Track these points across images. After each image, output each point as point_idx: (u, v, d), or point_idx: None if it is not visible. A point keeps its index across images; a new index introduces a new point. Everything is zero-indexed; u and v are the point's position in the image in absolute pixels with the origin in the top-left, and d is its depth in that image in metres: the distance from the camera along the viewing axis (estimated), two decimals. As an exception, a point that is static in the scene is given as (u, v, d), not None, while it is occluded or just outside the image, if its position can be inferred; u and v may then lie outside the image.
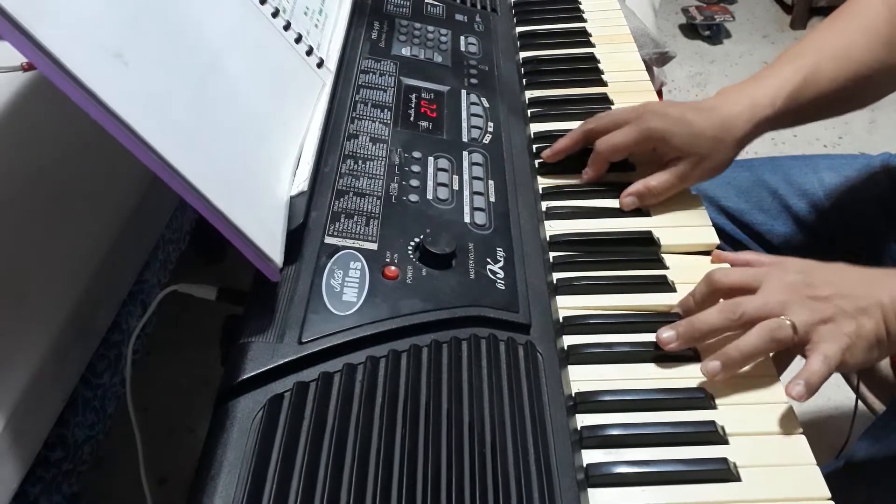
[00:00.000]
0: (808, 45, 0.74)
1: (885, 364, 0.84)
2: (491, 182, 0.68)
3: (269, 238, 0.53)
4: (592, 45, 0.93)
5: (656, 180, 0.69)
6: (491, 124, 0.75)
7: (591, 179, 0.73)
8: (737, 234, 0.90)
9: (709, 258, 0.66)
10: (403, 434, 0.48)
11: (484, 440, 0.49)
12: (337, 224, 0.60)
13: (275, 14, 0.68)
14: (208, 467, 0.45)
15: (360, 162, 0.66)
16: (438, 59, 0.83)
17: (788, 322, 0.55)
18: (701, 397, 0.54)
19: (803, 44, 0.74)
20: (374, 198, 0.63)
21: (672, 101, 0.72)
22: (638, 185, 0.70)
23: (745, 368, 0.56)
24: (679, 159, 0.69)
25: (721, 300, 0.58)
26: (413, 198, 0.64)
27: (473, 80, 0.81)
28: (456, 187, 0.67)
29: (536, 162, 0.76)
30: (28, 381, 0.55)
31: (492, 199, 0.67)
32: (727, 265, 0.64)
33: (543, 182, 0.73)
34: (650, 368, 0.57)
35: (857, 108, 0.78)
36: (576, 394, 0.54)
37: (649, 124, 0.69)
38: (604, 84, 0.86)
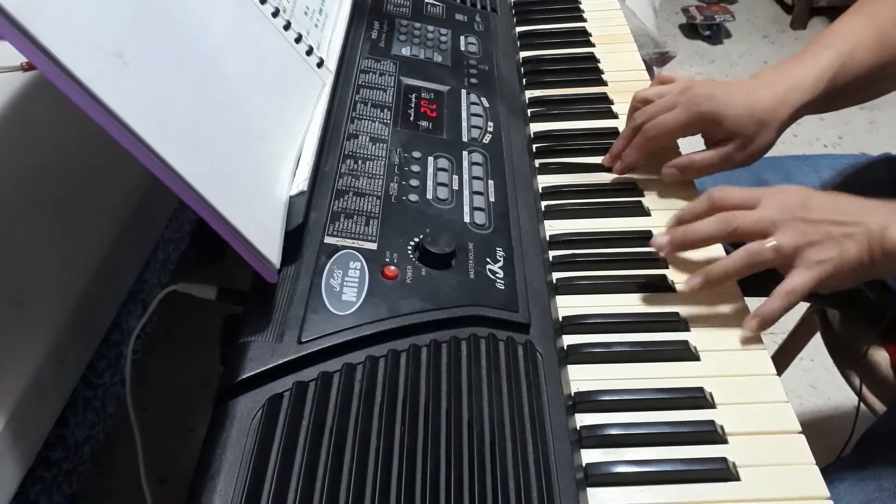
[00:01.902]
0: (843, 30, 0.74)
1: (885, 364, 0.84)
2: (491, 182, 0.69)
3: (266, 239, 0.53)
4: (592, 45, 0.93)
5: (700, 156, 0.70)
6: (491, 124, 0.75)
7: (632, 164, 0.72)
8: (737, 234, 0.90)
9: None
10: (402, 433, 0.48)
11: (483, 439, 0.49)
12: (336, 224, 0.60)
13: (275, 14, 0.68)
14: (208, 467, 0.45)
15: (359, 162, 0.66)
16: (438, 58, 0.83)
17: (772, 244, 0.58)
18: (700, 397, 0.54)
19: (838, 28, 0.74)
20: (374, 197, 0.63)
21: (712, 81, 0.73)
22: (682, 159, 0.71)
23: (745, 369, 0.57)
24: (725, 141, 0.70)
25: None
26: (413, 197, 0.64)
27: (473, 80, 0.81)
28: (456, 187, 0.67)
29: (536, 162, 0.76)
30: (28, 381, 0.55)
31: (491, 198, 0.67)
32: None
33: (543, 182, 0.73)
34: (650, 368, 0.57)
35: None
36: (575, 393, 0.54)
37: (701, 107, 0.69)
38: (604, 84, 0.86)
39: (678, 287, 0.62)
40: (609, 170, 0.73)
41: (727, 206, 0.61)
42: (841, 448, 0.88)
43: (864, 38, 0.72)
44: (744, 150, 0.70)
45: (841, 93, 0.72)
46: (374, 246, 0.59)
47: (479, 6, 0.96)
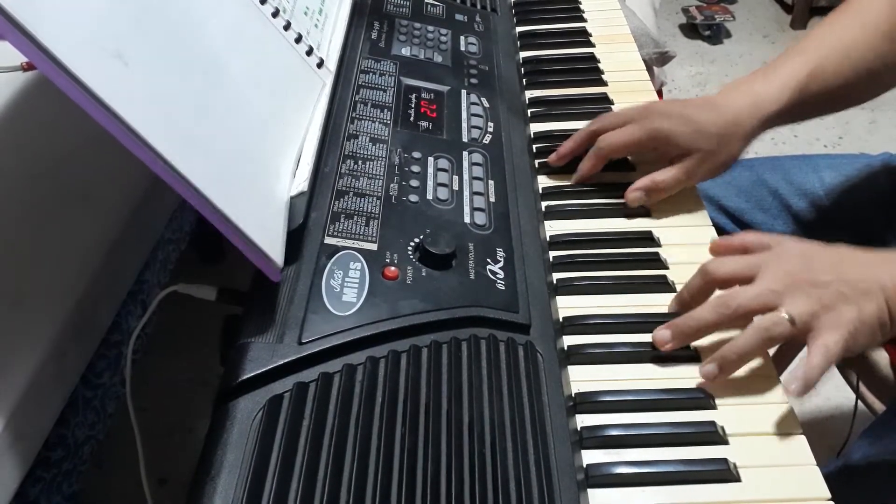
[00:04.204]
0: (811, 42, 0.74)
1: (885, 364, 0.84)
2: (491, 182, 0.68)
3: (269, 238, 0.53)
4: (592, 45, 0.93)
5: (663, 175, 0.69)
6: (491, 124, 0.75)
7: (586, 174, 0.72)
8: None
9: (707, 256, 0.65)
10: (403, 434, 0.48)
11: (483, 440, 0.49)
12: (337, 224, 0.60)
13: (275, 14, 0.68)
14: (208, 468, 0.45)
15: (359, 162, 0.66)
16: (438, 59, 0.83)
17: (785, 316, 0.53)
18: (701, 397, 0.54)
19: (806, 41, 0.74)
20: (374, 198, 0.63)
21: (676, 99, 0.72)
22: (645, 181, 0.69)
23: (744, 368, 0.56)
24: (685, 156, 0.69)
25: (717, 291, 0.58)
26: (413, 198, 0.64)
27: (473, 80, 0.81)
28: (456, 187, 0.67)
29: (536, 162, 0.75)
30: (28, 381, 0.54)
31: (492, 199, 0.67)
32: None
33: (543, 182, 0.73)
34: (650, 369, 0.57)
35: (860, 103, 0.78)
36: (576, 394, 0.54)
37: (655, 124, 0.69)
38: (604, 84, 0.86)
39: (678, 287, 0.62)
40: (610, 171, 0.73)
41: (723, 279, 0.57)
42: (840, 448, 0.88)
43: (833, 48, 0.72)
44: (705, 165, 0.69)
45: (809, 103, 0.72)
46: (374, 246, 0.59)
47: (479, 6, 0.96)
